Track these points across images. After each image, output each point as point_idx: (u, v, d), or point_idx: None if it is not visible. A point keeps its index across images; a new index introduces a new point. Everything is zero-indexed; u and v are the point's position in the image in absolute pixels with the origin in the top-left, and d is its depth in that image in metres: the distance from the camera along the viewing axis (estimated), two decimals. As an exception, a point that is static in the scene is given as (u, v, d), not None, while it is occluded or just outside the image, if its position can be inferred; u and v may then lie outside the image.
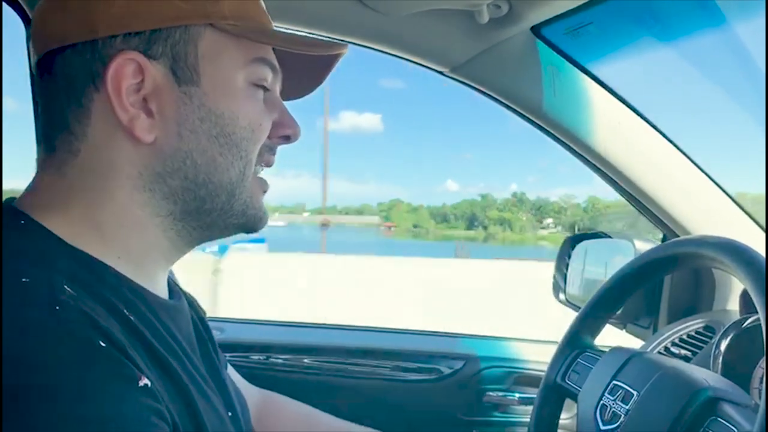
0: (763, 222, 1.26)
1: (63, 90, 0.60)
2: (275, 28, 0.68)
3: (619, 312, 1.34)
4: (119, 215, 0.60)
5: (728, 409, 0.72)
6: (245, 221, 0.67)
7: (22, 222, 0.58)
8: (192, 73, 0.60)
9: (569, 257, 1.49)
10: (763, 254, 0.75)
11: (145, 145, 0.60)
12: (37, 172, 0.63)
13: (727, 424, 0.70)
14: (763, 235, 1.25)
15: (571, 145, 1.25)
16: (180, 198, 0.62)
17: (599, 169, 1.26)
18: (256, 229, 0.68)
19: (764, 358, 0.85)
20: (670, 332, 1.21)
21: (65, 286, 0.51)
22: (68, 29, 0.59)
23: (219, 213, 0.64)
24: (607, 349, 0.94)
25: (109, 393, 0.47)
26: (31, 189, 0.63)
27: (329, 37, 1.17)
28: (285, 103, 0.70)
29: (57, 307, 0.49)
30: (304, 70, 0.70)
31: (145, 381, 0.50)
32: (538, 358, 1.48)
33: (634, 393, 0.81)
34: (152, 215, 0.62)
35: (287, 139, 0.69)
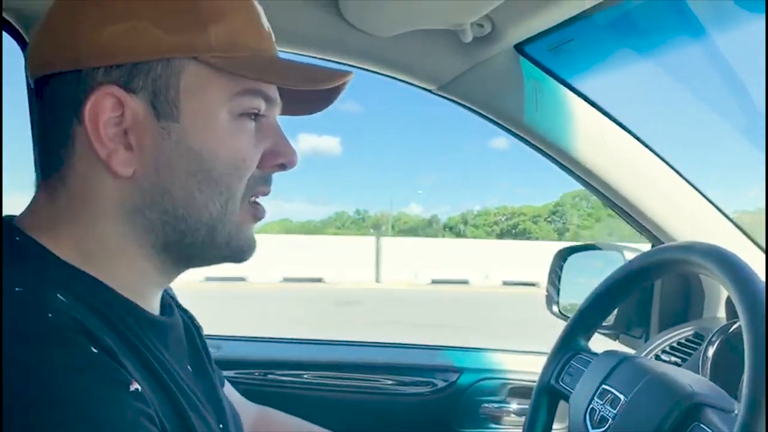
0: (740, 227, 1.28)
1: (51, 118, 0.60)
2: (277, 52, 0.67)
3: (611, 322, 1.38)
4: (104, 244, 0.60)
5: (711, 415, 0.73)
6: (230, 253, 0.65)
7: (18, 238, 0.59)
8: (172, 109, 0.59)
9: (561, 269, 1.50)
10: (748, 260, 0.77)
11: (125, 179, 0.59)
12: (35, 196, 0.64)
13: (709, 430, 0.71)
14: (746, 240, 1.27)
15: (557, 157, 1.28)
16: (160, 231, 0.61)
17: (585, 180, 1.29)
18: (242, 260, 0.67)
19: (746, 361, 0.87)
20: (661, 340, 1.23)
21: (58, 295, 0.52)
22: (55, 57, 0.59)
23: (200, 246, 0.63)
24: (599, 352, 0.96)
25: (101, 397, 0.48)
26: (29, 209, 0.63)
27: (318, 58, 1.19)
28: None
29: (50, 314, 0.50)
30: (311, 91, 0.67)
31: (136, 386, 0.51)
32: (533, 369, 1.49)
33: (622, 397, 0.82)
34: (135, 246, 0.62)
35: (282, 167, 0.67)
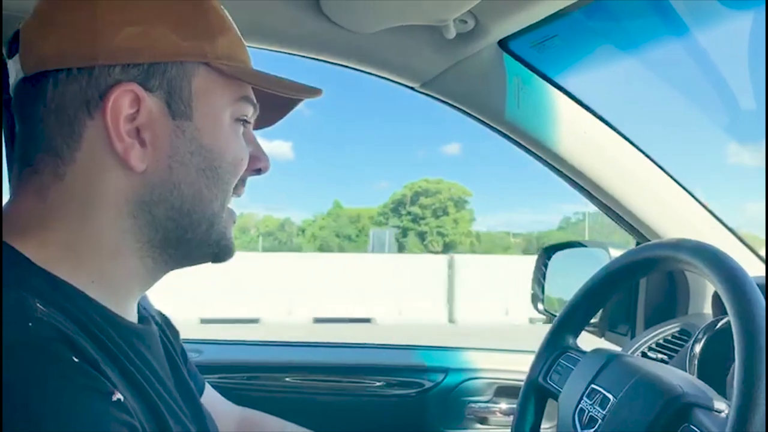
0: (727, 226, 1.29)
1: (53, 113, 0.60)
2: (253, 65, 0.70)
3: (597, 319, 1.37)
4: (98, 240, 0.61)
5: (701, 415, 0.73)
6: (218, 251, 0.68)
7: None
8: (186, 108, 0.62)
9: (545, 267, 1.50)
10: (735, 257, 0.77)
11: (136, 174, 0.61)
12: (14, 196, 0.63)
13: (699, 431, 0.71)
14: (731, 237, 1.28)
15: (540, 154, 1.28)
16: (162, 226, 0.63)
17: (569, 177, 1.29)
18: (225, 259, 0.69)
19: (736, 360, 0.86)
20: (648, 337, 1.23)
21: (38, 304, 0.52)
22: (64, 53, 0.59)
23: (197, 242, 0.66)
24: (588, 350, 0.95)
25: (82, 407, 0.48)
26: (7, 212, 0.62)
27: (299, 55, 1.18)
28: None
29: (30, 324, 0.50)
30: (272, 104, 0.72)
31: (118, 396, 0.51)
32: (519, 367, 1.49)
33: (611, 397, 0.82)
34: (132, 241, 0.62)
35: (259, 171, 0.71)
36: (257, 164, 0.70)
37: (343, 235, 33.47)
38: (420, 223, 35.95)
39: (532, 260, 1.52)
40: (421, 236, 35.99)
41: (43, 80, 0.60)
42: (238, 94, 0.66)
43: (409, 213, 36.19)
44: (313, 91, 0.70)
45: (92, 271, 0.60)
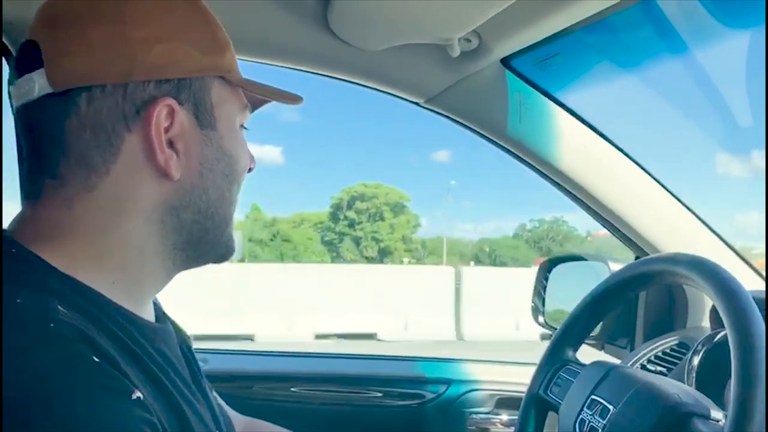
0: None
1: (88, 128, 0.61)
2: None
3: (596, 333, 1.39)
4: (124, 245, 0.63)
5: (699, 424, 0.74)
6: (225, 252, 0.72)
7: (13, 250, 0.59)
8: (210, 118, 0.66)
9: (546, 280, 1.52)
10: (732, 270, 0.79)
11: (169, 182, 0.64)
12: (35, 204, 0.64)
13: None
14: (729, 251, 1.29)
15: (542, 169, 1.30)
16: (187, 229, 0.67)
17: (569, 191, 1.31)
18: (226, 259, 0.73)
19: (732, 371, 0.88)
20: (647, 350, 1.24)
21: (59, 306, 0.53)
22: (99, 70, 0.61)
23: (214, 243, 0.70)
24: (587, 363, 0.97)
25: (103, 406, 0.49)
26: (27, 220, 0.64)
27: (305, 71, 1.20)
28: None
29: (51, 324, 0.51)
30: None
31: (138, 394, 0.52)
32: (521, 379, 1.50)
33: (611, 408, 0.83)
34: (157, 243, 0.65)
35: (249, 170, 0.75)
36: (249, 165, 0.75)
37: (255, 239, 32.06)
38: (356, 228, 35.32)
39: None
40: (357, 241, 35.28)
41: (74, 96, 0.61)
42: (242, 103, 0.71)
43: (346, 218, 35.55)
44: (295, 98, 0.75)
45: (114, 272, 0.63)
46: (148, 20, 0.63)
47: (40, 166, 0.64)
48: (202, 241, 0.68)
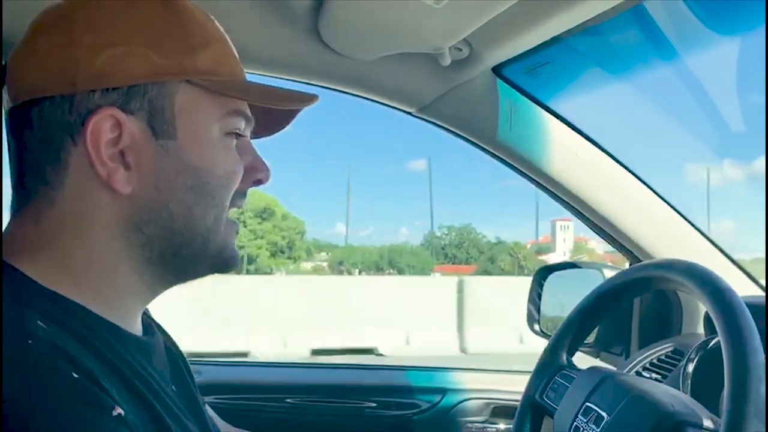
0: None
1: (39, 141, 0.60)
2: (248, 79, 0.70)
3: (592, 340, 1.39)
4: (93, 261, 0.61)
5: None
6: (220, 263, 0.68)
7: None
8: (168, 127, 0.62)
9: (541, 288, 1.52)
10: (725, 276, 0.79)
11: (123, 196, 0.61)
12: (12, 219, 0.64)
13: None
14: (721, 256, 1.30)
15: (534, 177, 1.30)
16: (155, 245, 0.63)
17: (562, 198, 1.31)
18: (228, 270, 0.69)
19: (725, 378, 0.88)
20: (641, 357, 1.24)
21: (38, 322, 0.52)
22: (47, 81, 0.60)
23: (194, 257, 0.66)
24: (583, 368, 0.97)
25: (82, 423, 0.48)
26: (8, 233, 0.63)
27: (298, 81, 1.20)
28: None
29: (30, 341, 0.50)
30: (270, 113, 0.72)
31: (119, 411, 0.51)
32: (516, 388, 1.49)
33: (605, 416, 0.83)
34: (128, 260, 0.63)
35: (260, 182, 0.70)
36: (257, 175, 0.70)
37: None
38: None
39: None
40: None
41: (28, 110, 0.60)
42: (225, 109, 0.65)
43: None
44: (307, 98, 0.69)
45: (92, 287, 0.61)
46: (98, 26, 0.60)
47: (15, 181, 0.64)
48: (178, 256, 0.65)
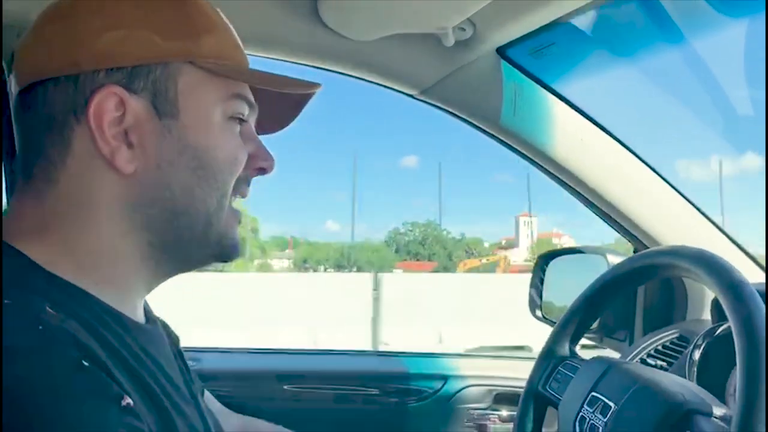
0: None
1: (44, 121, 0.61)
2: (252, 66, 0.70)
3: (595, 326, 1.38)
4: (97, 243, 0.61)
5: (702, 422, 0.73)
6: (221, 251, 0.68)
7: None
8: (172, 107, 0.62)
9: (543, 273, 1.51)
10: (734, 263, 0.77)
11: (125, 176, 0.61)
12: (15, 200, 0.64)
13: None
14: (730, 243, 1.28)
15: (539, 161, 1.29)
16: (158, 228, 0.63)
17: (566, 183, 1.30)
18: (230, 259, 0.69)
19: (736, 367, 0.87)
20: (646, 344, 1.23)
21: (47, 307, 0.52)
22: (51, 63, 0.61)
23: (197, 243, 0.66)
24: (587, 358, 0.96)
25: (93, 412, 0.48)
26: (10, 216, 0.63)
27: (299, 63, 1.19)
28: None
29: (40, 327, 0.50)
30: (278, 106, 0.72)
31: (128, 401, 0.51)
32: (519, 374, 1.49)
33: (612, 405, 0.82)
34: (131, 243, 0.63)
35: (263, 171, 0.70)
36: (259, 163, 0.70)
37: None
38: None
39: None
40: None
41: (35, 91, 0.61)
42: (228, 92, 0.65)
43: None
44: (309, 86, 0.69)
45: (95, 273, 0.61)
46: (102, 11, 0.62)
47: (21, 166, 0.65)
48: (182, 240, 0.65)
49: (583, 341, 1.09)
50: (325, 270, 32.10)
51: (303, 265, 34.24)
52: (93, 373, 0.50)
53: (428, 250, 35.94)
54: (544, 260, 1.52)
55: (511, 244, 35.17)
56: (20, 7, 0.90)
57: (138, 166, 0.61)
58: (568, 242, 29.39)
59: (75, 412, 0.47)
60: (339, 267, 32.26)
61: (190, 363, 0.80)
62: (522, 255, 32.69)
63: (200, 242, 0.66)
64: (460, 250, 35.42)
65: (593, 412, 0.84)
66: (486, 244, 35.77)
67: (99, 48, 0.60)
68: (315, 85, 0.69)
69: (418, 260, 34.94)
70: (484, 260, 29.82)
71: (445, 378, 1.49)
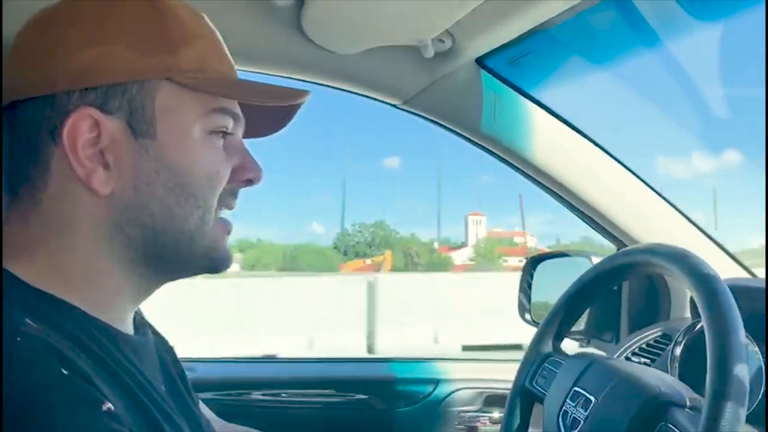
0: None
1: (24, 142, 0.61)
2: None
3: (582, 327, 1.40)
4: (82, 263, 0.61)
5: (677, 414, 0.75)
6: (209, 263, 0.67)
7: None
8: (148, 127, 0.61)
9: (531, 277, 1.52)
10: (709, 259, 0.79)
11: (103, 197, 0.60)
12: (4, 218, 0.64)
13: (675, 429, 0.74)
14: (705, 239, 1.31)
15: (519, 166, 1.31)
16: (140, 246, 0.63)
17: (547, 187, 1.32)
18: (219, 270, 0.68)
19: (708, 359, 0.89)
20: (631, 342, 1.25)
21: (27, 320, 0.53)
22: (29, 82, 0.60)
23: (182, 258, 0.65)
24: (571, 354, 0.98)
25: (72, 418, 0.48)
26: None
27: (282, 76, 1.20)
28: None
29: (18, 338, 0.51)
30: (268, 112, 0.71)
31: (108, 405, 0.51)
32: (508, 377, 1.50)
33: (593, 399, 0.84)
34: (115, 262, 0.63)
35: (250, 182, 0.69)
36: (246, 175, 0.68)
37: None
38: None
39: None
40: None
41: (17, 109, 0.61)
42: (209, 107, 0.64)
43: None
44: (296, 96, 0.68)
45: (81, 290, 0.61)
46: (78, 26, 0.61)
47: (6, 184, 0.64)
48: (164, 256, 0.64)
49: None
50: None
51: (251, 268, 33.29)
52: (72, 381, 0.50)
53: (376, 250, 34.71)
54: (532, 264, 1.54)
55: (464, 244, 34.72)
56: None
57: (115, 187, 0.61)
58: (529, 241, 29.39)
59: (54, 418, 0.47)
60: (282, 270, 30.76)
61: (185, 373, 0.80)
62: (467, 254, 32.45)
63: (186, 257, 0.65)
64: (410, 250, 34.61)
65: (575, 406, 0.86)
66: (435, 244, 35.01)
67: (73, 67, 0.59)
68: (302, 94, 0.68)
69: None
70: (368, 261, 29.61)
71: (436, 382, 1.51)
